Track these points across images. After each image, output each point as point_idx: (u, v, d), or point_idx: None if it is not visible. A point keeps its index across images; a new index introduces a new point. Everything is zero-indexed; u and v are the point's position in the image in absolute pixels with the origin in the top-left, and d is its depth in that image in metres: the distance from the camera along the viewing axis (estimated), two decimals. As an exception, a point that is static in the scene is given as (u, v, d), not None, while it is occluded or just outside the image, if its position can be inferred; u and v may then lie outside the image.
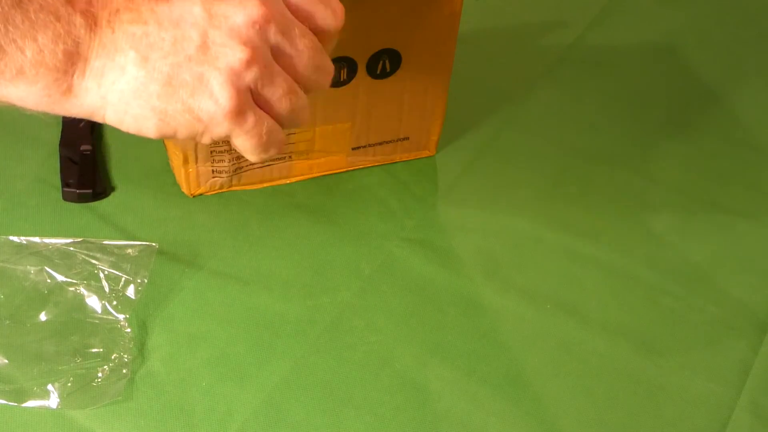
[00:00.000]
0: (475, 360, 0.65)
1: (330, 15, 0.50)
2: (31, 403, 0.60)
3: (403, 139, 0.78)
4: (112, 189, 0.75)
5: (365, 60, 0.71)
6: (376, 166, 0.79)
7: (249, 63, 0.46)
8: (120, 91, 0.45)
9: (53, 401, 0.60)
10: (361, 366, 0.64)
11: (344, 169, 0.78)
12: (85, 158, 0.75)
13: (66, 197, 0.73)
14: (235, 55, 0.45)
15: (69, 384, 0.60)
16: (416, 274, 0.70)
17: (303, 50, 0.48)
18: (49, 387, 0.60)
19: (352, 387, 0.62)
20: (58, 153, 0.76)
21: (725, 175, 0.81)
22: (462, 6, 0.71)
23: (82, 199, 0.73)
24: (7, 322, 0.63)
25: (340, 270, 0.70)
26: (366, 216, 0.75)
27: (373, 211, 0.75)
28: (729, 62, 0.94)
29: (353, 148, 0.77)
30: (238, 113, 0.47)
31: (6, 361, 0.61)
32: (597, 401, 0.63)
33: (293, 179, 0.77)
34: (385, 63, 0.72)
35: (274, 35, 0.47)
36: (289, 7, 0.48)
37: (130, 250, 0.68)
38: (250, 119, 0.48)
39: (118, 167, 0.77)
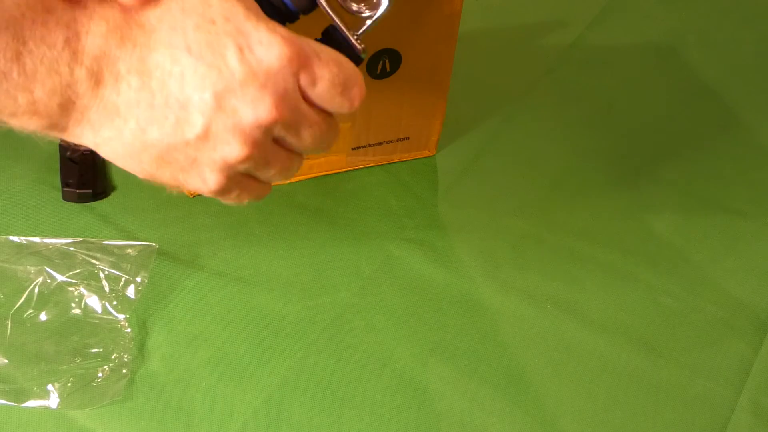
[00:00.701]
0: (475, 360, 0.65)
1: (347, 104, 0.47)
2: (31, 403, 0.60)
3: (403, 139, 0.78)
4: (112, 189, 0.75)
5: (365, 60, 0.70)
6: (376, 166, 0.79)
7: (246, 159, 0.45)
8: (113, 148, 0.45)
9: (53, 401, 0.60)
10: (361, 366, 0.64)
11: (344, 169, 0.78)
12: (85, 158, 0.75)
13: (66, 197, 0.73)
14: (233, 151, 0.44)
15: (69, 384, 0.60)
16: (416, 274, 0.70)
17: (306, 139, 0.47)
18: (49, 387, 0.60)
19: (352, 387, 0.62)
20: (58, 153, 0.76)
21: (725, 175, 0.81)
22: (462, 6, 0.71)
23: (82, 199, 0.73)
24: (7, 322, 0.63)
25: (340, 270, 0.70)
26: (366, 216, 0.75)
27: (373, 211, 0.75)
28: (729, 62, 0.94)
29: (353, 148, 0.77)
30: (223, 192, 0.47)
31: (6, 361, 0.61)
32: (597, 401, 0.63)
33: (293, 179, 0.77)
34: (385, 63, 0.72)
35: (278, 131, 0.45)
36: (306, 97, 0.46)
37: (130, 250, 0.68)
38: (234, 193, 0.48)
39: (118, 167, 0.77)
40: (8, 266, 0.66)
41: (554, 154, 0.82)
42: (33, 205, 0.73)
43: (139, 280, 0.66)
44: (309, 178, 0.77)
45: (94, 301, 0.65)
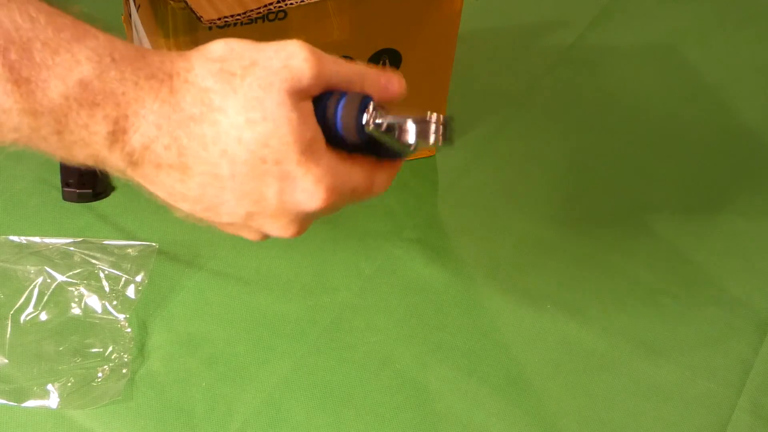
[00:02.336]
0: (475, 360, 0.65)
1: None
2: (31, 403, 0.60)
3: (403, 139, 0.78)
4: (112, 189, 0.75)
5: (365, 60, 0.71)
6: (376, 166, 0.79)
7: (285, 234, 0.47)
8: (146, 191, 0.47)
9: (53, 401, 0.60)
10: (361, 366, 0.64)
11: (344, 169, 0.78)
12: (85, 158, 0.75)
13: (66, 197, 0.73)
14: (274, 230, 0.47)
15: (69, 384, 0.60)
16: (416, 274, 0.70)
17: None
18: (49, 387, 0.60)
19: (352, 387, 0.62)
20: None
21: (725, 175, 0.81)
22: (462, 6, 0.71)
23: (82, 199, 0.73)
24: (7, 322, 0.63)
25: (340, 270, 0.70)
26: (366, 216, 0.75)
27: (373, 211, 0.75)
28: (729, 62, 0.94)
29: (353, 148, 0.77)
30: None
31: (6, 360, 0.61)
32: (597, 401, 0.63)
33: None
34: (385, 63, 0.72)
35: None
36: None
37: (130, 250, 0.68)
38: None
39: (118, 167, 0.77)
40: (8, 266, 0.66)
41: (554, 154, 0.82)
42: (33, 205, 0.73)
43: (139, 279, 0.66)
44: (309, 178, 0.77)
45: (94, 301, 0.65)
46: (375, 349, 0.65)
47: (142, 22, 0.74)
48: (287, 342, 0.65)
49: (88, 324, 0.64)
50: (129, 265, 0.67)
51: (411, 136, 0.45)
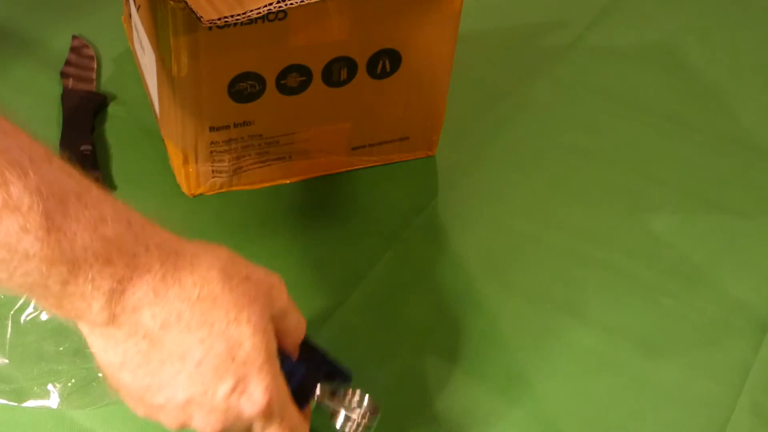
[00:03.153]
0: (475, 359, 0.65)
1: None
2: (31, 403, 0.60)
3: (403, 139, 0.78)
4: (113, 189, 0.75)
5: (365, 60, 0.71)
6: (375, 166, 0.79)
7: (207, 429, 0.48)
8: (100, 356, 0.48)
9: (54, 401, 0.60)
10: (360, 366, 0.64)
11: (344, 169, 0.78)
12: (86, 158, 0.75)
13: (66, 197, 0.73)
14: (199, 423, 0.48)
15: (70, 384, 0.60)
16: (416, 273, 0.70)
17: None
18: (50, 387, 0.60)
19: (352, 387, 0.62)
20: (58, 153, 0.76)
21: (725, 175, 0.81)
22: (462, 6, 0.71)
23: (82, 199, 0.73)
24: (8, 322, 0.63)
25: (340, 270, 0.70)
26: (366, 216, 0.75)
27: (373, 211, 0.75)
28: (729, 62, 0.94)
29: (353, 148, 0.77)
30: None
31: (6, 360, 0.61)
32: (597, 401, 0.63)
33: (293, 179, 0.77)
34: (385, 63, 0.72)
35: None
36: None
37: None
38: None
39: (118, 167, 0.77)
40: (8, 266, 0.66)
41: (554, 154, 0.82)
42: (33, 205, 0.73)
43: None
44: (309, 178, 0.77)
45: (94, 301, 0.64)
46: (374, 348, 0.65)
47: (142, 22, 0.74)
48: (287, 342, 0.65)
49: (88, 324, 0.64)
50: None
51: (338, 422, 0.55)
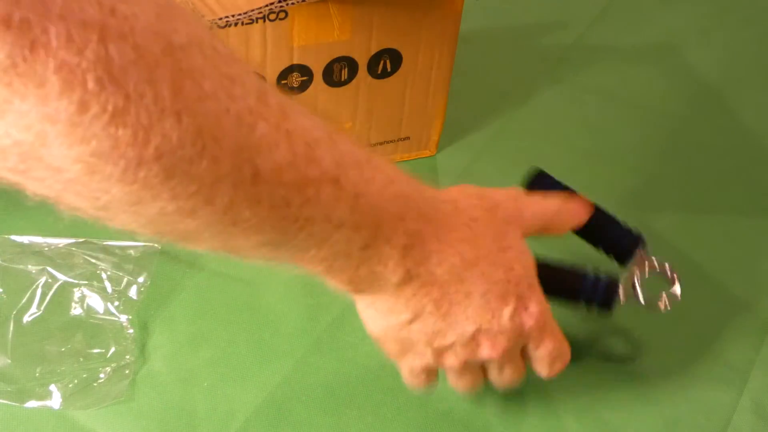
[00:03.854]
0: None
1: (546, 372, 0.57)
2: (33, 404, 0.60)
3: (404, 139, 0.78)
4: (113, 189, 0.75)
5: (366, 60, 0.71)
6: (376, 166, 0.79)
7: (494, 351, 0.52)
8: (369, 322, 0.54)
9: (55, 401, 0.60)
10: (363, 366, 0.64)
11: (345, 169, 0.78)
12: (86, 158, 0.75)
13: (67, 197, 0.73)
14: (485, 350, 0.52)
15: (71, 384, 0.60)
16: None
17: (505, 376, 0.56)
18: (52, 387, 0.60)
19: (353, 387, 0.62)
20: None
21: (725, 175, 0.81)
22: (462, 6, 0.71)
23: (83, 199, 0.73)
24: (10, 322, 0.63)
25: (341, 270, 0.70)
26: (367, 216, 0.75)
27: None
28: (729, 62, 0.94)
29: (354, 148, 0.77)
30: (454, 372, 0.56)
31: (9, 361, 0.61)
32: (598, 401, 0.63)
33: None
34: (385, 63, 0.72)
35: (489, 365, 0.55)
36: (523, 349, 0.55)
37: (131, 251, 0.68)
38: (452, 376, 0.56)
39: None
40: (10, 266, 0.66)
41: (554, 154, 0.82)
42: (35, 205, 0.73)
43: (141, 280, 0.66)
44: (310, 178, 0.77)
45: (96, 302, 0.65)
46: (376, 348, 0.65)
47: (143, 23, 0.74)
48: (289, 342, 0.65)
49: (90, 325, 0.64)
50: (131, 266, 0.67)
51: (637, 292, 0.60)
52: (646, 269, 0.60)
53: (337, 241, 0.44)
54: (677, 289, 0.61)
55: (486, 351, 0.52)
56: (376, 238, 0.46)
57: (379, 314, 0.51)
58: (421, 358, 0.53)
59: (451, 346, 0.51)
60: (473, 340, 0.51)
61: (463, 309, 0.50)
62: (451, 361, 0.53)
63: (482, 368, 0.55)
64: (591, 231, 0.61)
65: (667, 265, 0.61)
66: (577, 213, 0.59)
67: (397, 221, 0.46)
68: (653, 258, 0.61)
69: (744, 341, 0.67)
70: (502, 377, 0.55)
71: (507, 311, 0.51)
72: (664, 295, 0.60)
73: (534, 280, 0.53)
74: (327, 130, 0.44)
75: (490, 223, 0.51)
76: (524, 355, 0.55)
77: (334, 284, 0.50)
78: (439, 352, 0.52)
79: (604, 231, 0.61)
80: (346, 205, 0.43)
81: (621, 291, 0.59)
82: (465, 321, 0.50)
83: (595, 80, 0.91)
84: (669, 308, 0.60)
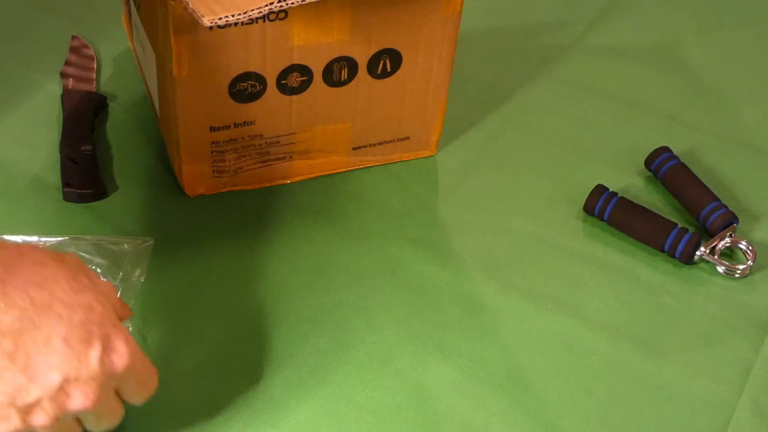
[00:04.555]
0: (476, 360, 0.65)
1: (139, 400, 0.54)
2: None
3: (404, 138, 0.78)
4: (113, 189, 0.75)
5: (366, 60, 0.71)
6: (376, 166, 0.79)
7: (88, 402, 0.49)
8: None
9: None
10: (362, 366, 0.64)
11: (344, 169, 0.78)
12: (86, 158, 0.75)
13: (66, 197, 0.73)
14: (78, 400, 0.48)
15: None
16: (416, 274, 0.70)
17: (102, 423, 0.52)
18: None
19: (353, 387, 0.62)
20: (58, 153, 0.76)
21: (725, 175, 0.81)
22: (462, 6, 0.71)
23: (82, 199, 0.73)
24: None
25: (340, 270, 0.70)
26: (366, 216, 0.75)
27: (373, 211, 0.75)
28: (729, 62, 0.94)
29: (354, 148, 0.77)
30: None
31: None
32: (598, 401, 0.63)
33: (293, 179, 0.77)
34: (385, 63, 0.72)
35: (84, 415, 0.50)
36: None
37: (126, 245, 0.67)
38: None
39: (118, 167, 0.77)
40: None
41: (554, 154, 0.82)
42: (33, 205, 0.73)
43: (135, 278, 0.66)
44: (309, 178, 0.77)
45: (94, 301, 0.64)
46: (375, 349, 0.65)
47: (142, 22, 0.74)
48: (288, 342, 0.65)
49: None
50: (126, 262, 0.66)
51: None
52: (728, 241, 0.72)
53: None
54: (749, 264, 0.71)
55: (78, 402, 0.48)
56: None
57: None
58: (6, 422, 0.47)
59: (37, 403, 0.47)
60: (62, 391, 0.47)
61: (45, 358, 0.46)
62: (41, 419, 0.47)
63: (77, 421, 0.51)
64: (693, 203, 0.75)
65: (745, 241, 0.72)
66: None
67: None
68: (736, 236, 0.73)
69: (744, 341, 0.67)
70: (101, 425, 0.52)
71: (94, 354, 0.48)
72: (736, 265, 0.71)
73: (117, 320, 0.50)
74: None
75: (59, 267, 0.49)
76: (119, 394, 0.52)
77: None
78: (26, 411, 0.47)
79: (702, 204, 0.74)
80: None
81: (702, 248, 0.71)
82: (49, 371, 0.46)
83: (595, 80, 0.91)
84: (738, 275, 0.71)
